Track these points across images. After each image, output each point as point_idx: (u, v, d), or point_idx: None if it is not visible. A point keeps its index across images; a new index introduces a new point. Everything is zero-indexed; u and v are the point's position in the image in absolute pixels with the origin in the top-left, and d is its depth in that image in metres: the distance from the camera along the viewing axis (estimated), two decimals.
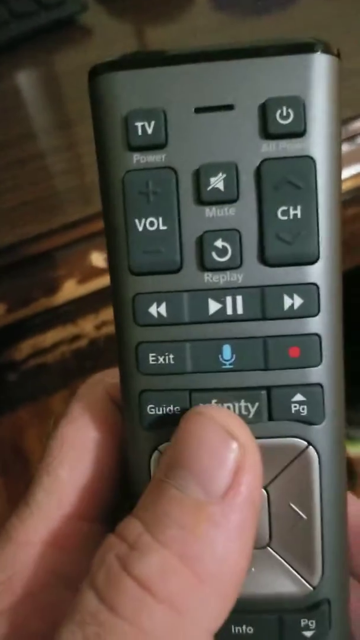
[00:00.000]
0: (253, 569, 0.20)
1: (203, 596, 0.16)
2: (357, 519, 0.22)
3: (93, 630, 0.16)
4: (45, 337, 0.48)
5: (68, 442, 0.22)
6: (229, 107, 0.18)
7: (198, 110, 0.18)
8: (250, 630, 0.20)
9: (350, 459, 0.71)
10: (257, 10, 0.63)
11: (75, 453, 0.22)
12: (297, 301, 0.18)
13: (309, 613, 0.20)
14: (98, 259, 0.43)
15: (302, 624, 0.20)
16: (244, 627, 0.20)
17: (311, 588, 0.20)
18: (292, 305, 0.18)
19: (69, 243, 0.42)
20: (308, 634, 0.20)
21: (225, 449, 0.17)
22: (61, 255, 0.43)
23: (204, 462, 0.17)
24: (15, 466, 0.49)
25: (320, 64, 0.18)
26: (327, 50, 0.18)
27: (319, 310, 0.18)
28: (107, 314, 0.48)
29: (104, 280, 0.44)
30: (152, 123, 0.18)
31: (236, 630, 0.20)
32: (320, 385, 0.19)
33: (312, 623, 0.20)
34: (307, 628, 0.20)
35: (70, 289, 0.43)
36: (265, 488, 0.20)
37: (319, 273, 0.18)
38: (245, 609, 0.19)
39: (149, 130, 0.18)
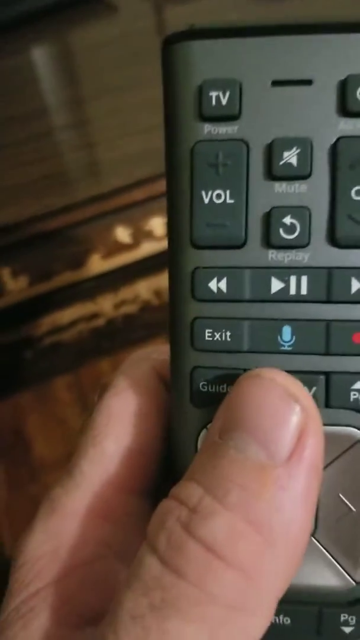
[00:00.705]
0: None
1: (272, 560, 0.16)
2: None
3: (158, 595, 0.16)
4: (64, 314, 0.47)
5: (114, 415, 0.21)
6: (307, 82, 0.18)
7: (275, 83, 0.18)
8: (287, 621, 0.20)
9: None
10: None
11: (121, 426, 0.21)
12: None
13: (350, 609, 0.19)
14: (123, 234, 0.42)
15: (342, 619, 0.19)
16: (281, 617, 0.20)
17: (354, 583, 0.19)
18: None
19: (94, 217, 0.42)
20: (347, 629, 0.20)
21: (288, 411, 0.17)
22: (86, 229, 0.42)
23: (266, 424, 0.16)
24: (16, 450, 0.48)
25: None
26: None
27: None
28: (127, 292, 0.47)
29: (128, 257, 0.44)
30: (227, 93, 0.18)
31: (274, 620, 0.20)
32: None
33: (352, 619, 0.19)
34: (346, 624, 0.20)
35: (94, 264, 0.42)
36: None
37: None
38: (285, 599, 0.18)
39: (223, 101, 0.18)
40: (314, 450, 0.16)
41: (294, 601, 0.19)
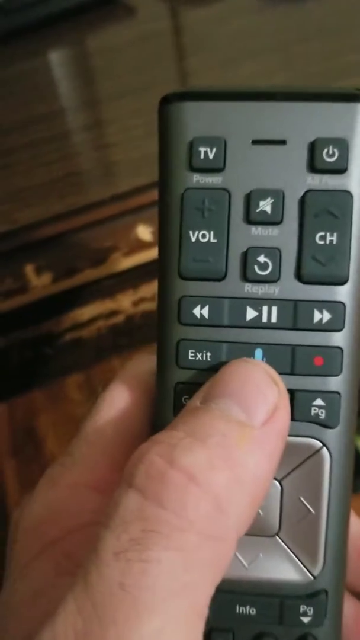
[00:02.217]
0: (261, 555, 0.22)
1: (240, 495, 0.18)
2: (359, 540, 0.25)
3: (138, 527, 0.17)
4: (84, 311, 0.48)
5: (115, 403, 0.24)
6: (282, 142, 0.21)
7: (254, 142, 0.21)
8: (252, 611, 0.22)
9: None
10: None
11: (121, 413, 0.24)
12: (326, 316, 0.21)
13: (308, 600, 0.22)
14: (144, 232, 0.43)
15: (301, 609, 0.22)
16: (247, 607, 0.22)
17: (312, 577, 0.22)
18: (321, 319, 0.21)
19: (115, 215, 0.43)
20: (305, 619, 0.22)
21: (269, 388, 0.19)
22: (107, 227, 0.43)
23: (249, 395, 0.19)
24: (28, 448, 0.49)
25: None
26: None
27: (343, 326, 0.21)
28: (146, 290, 0.48)
29: (149, 254, 0.45)
30: (214, 149, 0.21)
31: (240, 610, 0.22)
32: (338, 393, 0.21)
33: (310, 610, 0.22)
34: (305, 614, 0.22)
35: (116, 262, 0.43)
36: (279, 481, 0.22)
37: (346, 293, 0.21)
38: (251, 592, 0.22)
39: (210, 155, 0.21)
40: (283, 423, 0.19)
41: (259, 593, 0.22)
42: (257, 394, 0.19)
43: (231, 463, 0.18)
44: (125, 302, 0.48)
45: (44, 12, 0.62)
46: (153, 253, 0.46)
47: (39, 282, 0.43)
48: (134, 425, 0.23)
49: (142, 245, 0.44)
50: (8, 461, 0.48)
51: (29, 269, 0.42)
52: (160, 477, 0.17)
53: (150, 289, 0.48)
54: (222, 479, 0.18)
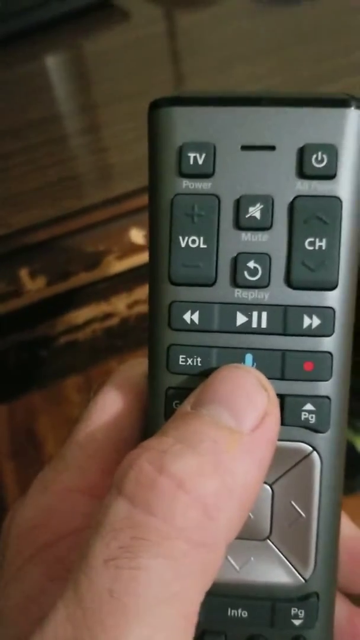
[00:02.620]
0: (252, 558, 0.22)
1: (229, 503, 0.18)
2: (352, 541, 0.25)
3: (128, 534, 0.17)
4: (78, 314, 0.48)
5: (106, 408, 0.24)
6: (271, 148, 0.21)
7: (244, 147, 0.21)
8: (244, 614, 0.22)
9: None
10: (288, 1, 0.63)
11: (113, 417, 0.24)
12: (315, 321, 0.21)
13: (299, 603, 0.22)
14: (137, 235, 0.44)
15: (292, 612, 0.22)
16: (239, 610, 0.22)
17: (303, 580, 0.22)
18: (311, 324, 0.21)
19: (109, 219, 0.43)
20: (297, 622, 0.22)
21: (258, 395, 0.19)
22: (101, 230, 0.44)
23: (239, 401, 0.19)
24: (27, 450, 0.49)
25: (353, 118, 0.20)
26: (359, 106, 0.21)
27: (333, 331, 0.21)
28: (140, 293, 0.49)
29: (142, 257, 0.45)
30: (203, 155, 0.21)
31: (232, 613, 0.22)
32: (328, 397, 0.21)
33: (301, 612, 0.22)
34: (296, 617, 0.22)
35: (109, 265, 0.44)
36: (270, 485, 0.22)
37: (336, 298, 0.21)
38: (242, 595, 0.22)
39: (200, 161, 0.21)
40: (272, 430, 0.19)
41: (251, 597, 0.22)
42: (246, 400, 0.19)
43: (221, 470, 0.18)
44: (119, 304, 0.49)
45: (40, 16, 0.62)
46: (146, 256, 0.45)
47: (34, 285, 0.43)
48: (126, 430, 0.23)
49: (136, 249, 0.44)
50: (7, 463, 0.48)
51: (24, 273, 0.42)
52: (149, 484, 0.17)
53: (144, 291, 0.49)
54: (211, 486, 0.18)
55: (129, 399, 0.24)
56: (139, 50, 0.60)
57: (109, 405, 0.24)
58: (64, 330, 0.48)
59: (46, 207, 0.43)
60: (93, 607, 0.16)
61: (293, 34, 0.59)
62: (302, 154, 0.20)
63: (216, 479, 0.18)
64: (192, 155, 0.21)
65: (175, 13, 0.66)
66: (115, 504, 0.18)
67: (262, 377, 0.20)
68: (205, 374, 0.21)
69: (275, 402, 0.20)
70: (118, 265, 0.44)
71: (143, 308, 0.49)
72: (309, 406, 0.21)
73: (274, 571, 0.22)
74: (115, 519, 0.17)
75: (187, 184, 0.21)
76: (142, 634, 0.16)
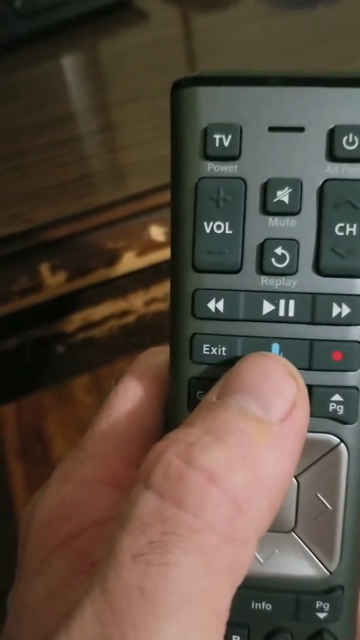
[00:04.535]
0: (277, 551, 0.22)
1: (260, 496, 0.18)
2: None
3: (157, 529, 0.17)
4: (96, 311, 0.48)
5: (128, 396, 0.23)
6: (300, 129, 0.20)
7: (271, 129, 0.20)
8: (268, 607, 0.22)
9: None
10: (304, 4, 0.63)
11: (134, 406, 0.23)
12: (345, 310, 0.20)
13: (324, 596, 0.22)
14: (157, 232, 0.44)
15: (317, 605, 0.22)
16: (263, 603, 0.22)
17: (328, 573, 0.22)
18: (340, 313, 0.20)
19: (129, 215, 0.43)
20: (321, 615, 0.22)
21: (287, 384, 0.19)
22: (121, 227, 0.44)
23: (267, 390, 0.19)
24: (35, 450, 0.49)
25: None
26: None
27: None
28: (157, 290, 0.49)
29: (162, 254, 0.45)
30: (229, 136, 0.20)
31: (256, 606, 0.22)
32: (357, 388, 0.20)
33: (326, 606, 0.22)
34: (321, 610, 0.22)
35: (129, 261, 0.44)
36: (296, 477, 0.21)
37: None
38: (266, 587, 0.22)
39: (225, 143, 0.20)
40: (302, 420, 0.19)
41: (275, 589, 0.22)
42: (275, 389, 0.19)
43: (250, 462, 0.17)
44: (136, 302, 0.49)
45: (59, 17, 0.62)
46: (165, 253, 0.46)
47: (54, 281, 0.43)
48: (148, 419, 0.23)
49: (155, 246, 0.44)
50: (15, 463, 0.48)
51: (44, 268, 0.43)
52: (178, 477, 0.17)
53: (162, 289, 0.49)
54: (242, 480, 0.17)
55: (150, 387, 0.23)
56: (157, 51, 0.60)
57: (131, 394, 0.23)
58: (81, 327, 0.48)
59: (67, 204, 0.43)
60: (122, 605, 0.16)
61: (310, 36, 0.59)
62: (333, 135, 0.20)
63: (246, 471, 0.17)
64: (217, 136, 0.20)
65: (192, 15, 0.67)
66: (143, 498, 0.17)
67: (291, 366, 0.19)
68: (229, 363, 0.20)
69: (305, 391, 0.19)
70: (137, 262, 0.44)
71: (160, 306, 0.49)
72: (337, 397, 0.20)
73: (298, 564, 0.22)
74: (144, 512, 0.17)
75: (212, 167, 0.20)
76: (173, 632, 0.16)
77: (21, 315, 0.44)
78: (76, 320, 0.48)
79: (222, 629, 0.17)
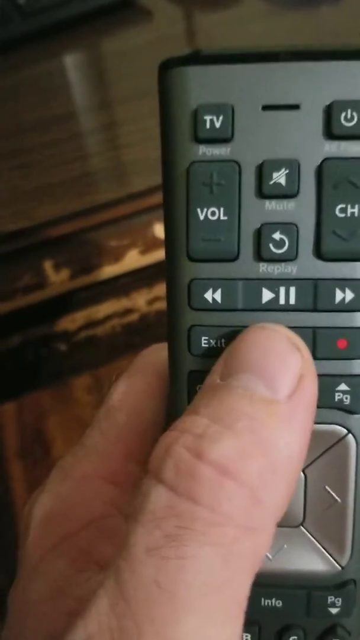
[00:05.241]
0: (285, 546, 0.21)
1: (275, 482, 0.17)
2: None
3: (172, 523, 0.16)
4: (99, 309, 0.48)
5: (128, 392, 0.23)
6: (295, 107, 0.19)
7: (265, 107, 0.19)
8: (279, 603, 0.21)
9: None
10: (307, 4, 0.63)
11: (133, 403, 0.23)
12: (349, 295, 0.19)
13: (336, 591, 0.21)
14: (161, 230, 0.43)
15: (329, 601, 0.21)
16: (273, 600, 0.21)
17: (340, 568, 0.21)
18: (344, 299, 0.19)
19: (133, 213, 0.43)
20: (334, 610, 0.21)
21: (291, 356, 0.18)
22: (125, 225, 0.43)
23: (271, 366, 0.18)
24: (35, 450, 0.49)
25: None
26: None
27: None
28: (161, 289, 0.49)
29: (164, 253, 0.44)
30: (221, 117, 0.19)
31: (266, 603, 0.21)
32: None
33: (338, 601, 0.21)
34: (333, 605, 0.21)
35: (132, 259, 0.44)
36: (303, 470, 0.21)
37: None
38: (276, 584, 0.21)
39: (217, 124, 0.19)
40: (311, 391, 0.18)
41: (285, 585, 0.21)
42: (279, 364, 0.18)
43: (262, 448, 0.17)
44: (140, 300, 0.49)
45: (62, 15, 0.62)
46: None
47: (57, 278, 0.43)
48: (148, 415, 0.23)
49: (159, 244, 0.44)
50: (16, 463, 0.48)
51: (48, 265, 0.42)
52: (190, 472, 0.17)
53: (165, 288, 0.49)
54: (255, 468, 0.17)
55: (151, 383, 0.23)
56: (160, 50, 0.60)
57: (131, 390, 0.23)
58: (84, 325, 0.48)
59: (70, 201, 0.43)
60: (138, 598, 0.16)
61: (313, 36, 0.59)
62: (330, 112, 0.19)
63: (259, 459, 0.17)
64: (208, 118, 0.19)
65: (195, 13, 0.67)
66: (155, 492, 0.17)
67: (293, 335, 0.19)
68: None
69: (310, 361, 0.18)
70: (141, 260, 0.44)
71: (162, 305, 0.49)
72: (343, 386, 0.20)
73: (308, 559, 0.21)
74: (156, 506, 0.17)
75: (203, 151, 0.19)
76: (192, 624, 0.16)
77: (24, 312, 0.44)
78: (79, 318, 0.48)
79: (242, 618, 0.17)
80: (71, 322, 0.48)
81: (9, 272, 0.42)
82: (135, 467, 0.22)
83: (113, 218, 0.43)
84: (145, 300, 0.49)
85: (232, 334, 0.20)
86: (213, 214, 0.19)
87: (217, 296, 0.19)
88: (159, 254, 0.45)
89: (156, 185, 0.44)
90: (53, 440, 0.49)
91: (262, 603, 0.21)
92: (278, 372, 0.18)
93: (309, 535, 0.21)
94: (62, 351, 0.49)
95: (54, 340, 0.48)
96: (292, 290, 0.19)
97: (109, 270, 0.44)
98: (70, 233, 0.42)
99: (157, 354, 0.24)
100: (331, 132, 0.19)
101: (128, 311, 0.49)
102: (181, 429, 0.18)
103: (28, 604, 0.20)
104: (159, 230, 0.44)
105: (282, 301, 0.19)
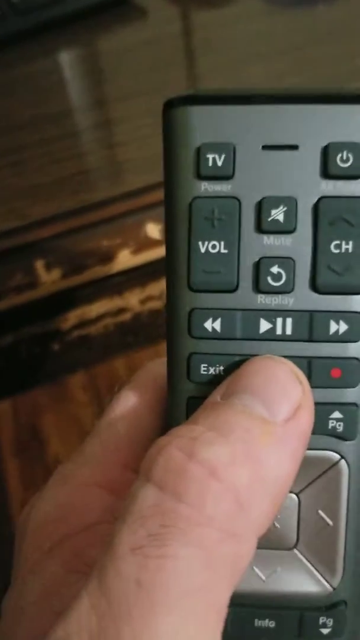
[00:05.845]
0: (279, 568, 0.22)
1: (261, 494, 0.17)
2: None
3: (157, 522, 0.16)
4: (92, 308, 0.48)
5: (130, 403, 0.23)
6: (294, 147, 0.20)
7: (265, 147, 0.20)
8: (272, 624, 0.22)
9: None
10: (304, 3, 0.63)
11: (135, 413, 0.23)
12: (342, 327, 0.20)
13: (328, 612, 0.22)
14: (153, 230, 0.43)
15: (321, 621, 0.22)
16: (266, 621, 0.22)
17: (331, 589, 0.22)
18: (338, 330, 0.20)
19: (125, 212, 0.43)
20: (325, 631, 0.22)
21: (293, 386, 0.19)
22: (117, 224, 0.43)
23: (272, 391, 0.19)
24: (31, 448, 0.49)
25: None
26: None
27: None
28: (153, 288, 0.49)
29: (157, 252, 0.45)
30: (223, 156, 0.20)
31: (259, 624, 0.22)
32: (356, 404, 0.20)
33: (329, 621, 0.22)
34: (324, 626, 0.22)
35: (125, 259, 0.43)
36: (297, 494, 0.21)
37: None
38: (269, 605, 0.21)
39: (219, 162, 0.20)
40: (306, 422, 0.19)
41: (278, 606, 0.22)
42: (280, 391, 0.18)
43: (253, 460, 0.17)
44: (132, 299, 0.49)
45: (57, 13, 0.62)
46: (161, 251, 0.45)
47: (49, 277, 0.43)
48: (148, 427, 0.23)
49: (151, 243, 0.44)
50: (11, 461, 0.48)
51: (39, 265, 0.42)
52: (179, 470, 0.17)
53: (158, 287, 0.49)
54: (244, 476, 0.17)
55: (152, 397, 0.23)
56: (156, 48, 0.60)
57: (132, 402, 0.23)
58: (77, 324, 0.48)
59: (63, 200, 0.43)
60: (119, 597, 0.16)
61: (309, 35, 0.59)
62: (327, 153, 0.19)
63: (248, 468, 0.17)
64: (210, 156, 0.20)
65: (191, 12, 0.66)
66: (143, 491, 0.17)
67: (297, 370, 0.19)
68: None
69: (310, 395, 0.19)
70: (133, 260, 0.44)
71: (156, 304, 0.49)
72: (336, 414, 0.20)
73: (301, 580, 0.21)
74: (143, 505, 0.17)
75: (206, 187, 0.20)
76: (169, 626, 0.16)
77: (16, 312, 0.44)
78: (72, 317, 0.47)
79: (220, 625, 0.17)
80: (64, 321, 0.47)
81: (1, 271, 0.42)
82: (133, 476, 0.22)
83: (105, 217, 0.43)
84: (138, 300, 0.49)
85: (230, 362, 0.20)
86: (214, 247, 0.20)
87: (217, 325, 0.20)
88: (152, 254, 0.44)
89: (149, 185, 0.44)
90: (49, 438, 0.49)
91: (256, 624, 0.22)
92: (278, 397, 0.18)
93: (302, 557, 0.21)
94: (55, 350, 0.49)
95: (47, 340, 0.48)
96: (289, 321, 0.20)
97: (101, 270, 0.43)
98: (63, 232, 0.42)
99: (159, 368, 0.24)
100: (327, 172, 0.20)
101: (121, 310, 0.49)
102: (176, 434, 0.18)
103: (21, 605, 0.20)
104: (151, 229, 0.43)
105: (279, 331, 0.20)
